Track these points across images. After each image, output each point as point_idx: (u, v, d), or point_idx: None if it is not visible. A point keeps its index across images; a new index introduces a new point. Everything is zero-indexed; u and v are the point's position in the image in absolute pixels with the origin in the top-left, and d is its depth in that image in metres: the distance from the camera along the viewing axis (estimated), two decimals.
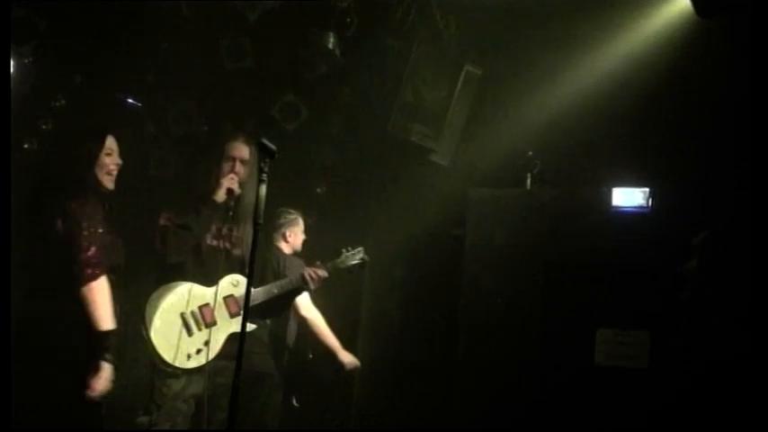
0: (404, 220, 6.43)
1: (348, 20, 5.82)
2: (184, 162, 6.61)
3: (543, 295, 5.29)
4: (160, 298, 4.37)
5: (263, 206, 3.40)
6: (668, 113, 5.53)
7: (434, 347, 6.13)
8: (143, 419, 4.36)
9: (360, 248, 5.04)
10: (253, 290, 4.52)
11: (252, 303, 4.54)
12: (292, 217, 5.74)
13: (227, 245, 4.59)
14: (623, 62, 5.63)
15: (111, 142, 4.18)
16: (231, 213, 4.56)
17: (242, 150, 4.67)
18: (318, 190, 6.73)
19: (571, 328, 5.14)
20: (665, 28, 5.50)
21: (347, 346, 5.61)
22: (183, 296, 4.40)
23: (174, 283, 4.42)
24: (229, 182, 4.60)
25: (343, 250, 5.01)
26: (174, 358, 4.31)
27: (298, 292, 4.93)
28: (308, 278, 4.78)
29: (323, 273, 4.83)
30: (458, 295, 5.66)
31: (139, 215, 4.97)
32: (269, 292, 4.73)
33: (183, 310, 4.38)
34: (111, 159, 4.17)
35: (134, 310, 4.40)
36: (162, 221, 4.50)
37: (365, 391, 6.48)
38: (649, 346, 4.95)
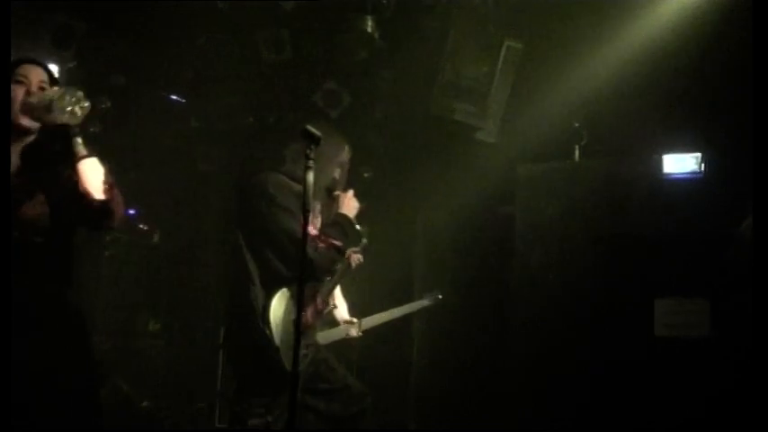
0: (452, 200, 6.40)
1: (384, 1, 5.79)
2: (235, 155, 6.70)
3: (597, 268, 5.19)
4: (279, 306, 4.13)
5: (311, 193, 3.39)
6: (717, 76, 5.40)
7: (487, 325, 6.11)
8: (255, 422, 4.14)
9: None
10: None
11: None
12: None
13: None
14: (670, 26, 5.49)
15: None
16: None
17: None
18: (366, 175, 6.72)
19: (627, 301, 5.04)
20: None
21: (400, 329, 5.63)
22: (289, 301, 4.17)
23: (284, 289, 4.17)
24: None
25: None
26: (290, 365, 4.06)
27: None
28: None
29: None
30: (509, 272, 5.62)
31: None
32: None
33: (293, 316, 4.04)
34: None
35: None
36: (314, 231, 4.17)
37: (421, 376, 6.50)
38: (710, 313, 4.85)
